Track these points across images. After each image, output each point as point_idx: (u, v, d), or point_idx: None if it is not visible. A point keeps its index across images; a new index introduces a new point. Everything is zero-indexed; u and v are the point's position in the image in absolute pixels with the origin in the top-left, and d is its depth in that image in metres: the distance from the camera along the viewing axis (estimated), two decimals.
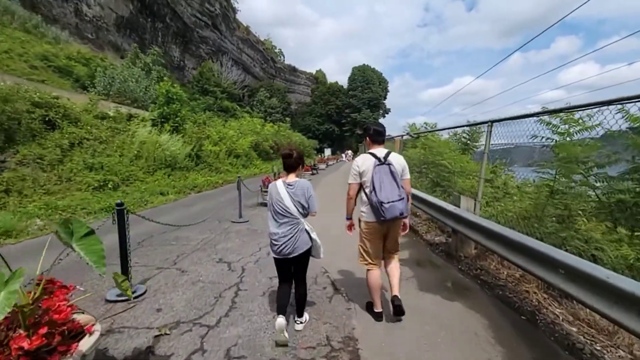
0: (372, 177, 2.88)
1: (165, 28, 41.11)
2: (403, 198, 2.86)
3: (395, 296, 3.07)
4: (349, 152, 50.64)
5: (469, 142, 10.34)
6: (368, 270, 3.18)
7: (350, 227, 3.35)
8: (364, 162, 3.00)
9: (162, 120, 15.90)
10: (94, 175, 9.49)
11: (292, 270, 2.95)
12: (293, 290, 3.02)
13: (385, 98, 57.56)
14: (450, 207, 4.97)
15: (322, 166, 26.12)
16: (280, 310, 2.81)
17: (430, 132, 6.62)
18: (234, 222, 7.26)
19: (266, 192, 9.63)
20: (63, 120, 11.18)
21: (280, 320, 2.69)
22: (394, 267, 3.21)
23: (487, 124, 4.85)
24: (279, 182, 2.84)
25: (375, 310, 3.15)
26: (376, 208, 2.84)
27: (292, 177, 2.87)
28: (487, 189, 7.50)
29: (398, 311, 3.01)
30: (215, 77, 36.70)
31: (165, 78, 17.01)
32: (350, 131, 55.84)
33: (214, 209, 8.65)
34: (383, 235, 3.12)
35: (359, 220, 3.19)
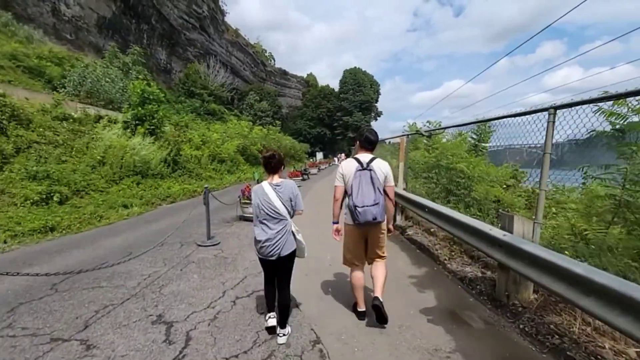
0: (352, 182, 2.87)
1: (150, 30, 39.27)
2: (378, 203, 2.80)
3: (376, 297, 2.94)
4: (342, 155, 49.14)
5: (478, 142, 8.86)
6: (351, 270, 3.21)
7: (337, 232, 3.13)
8: (347, 166, 2.99)
9: (137, 122, 14.16)
10: (36, 185, 7.70)
11: (276, 273, 2.85)
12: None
13: (377, 101, 56.23)
14: (496, 232, 3.38)
15: (314, 171, 24.53)
16: (271, 308, 2.92)
17: (451, 127, 5.08)
18: (200, 245, 5.59)
19: (246, 203, 7.97)
20: (10, 122, 9.40)
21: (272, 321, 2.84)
22: (380, 271, 3.06)
23: (547, 112, 3.29)
24: (265, 184, 2.76)
25: (359, 310, 3.18)
26: (352, 212, 2.84)
27: (277, 179, 2.80)
28: (518, 201, 5.99)
29: (379, 315, 2.91)
30: (202, 79, 34.87)
31: (139, 76, 15.21)
32: (342, 134, 54.37)
33: (182, 226, 6.95)
34: (364, 239, 3.07)
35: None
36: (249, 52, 54.43)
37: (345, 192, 3.01)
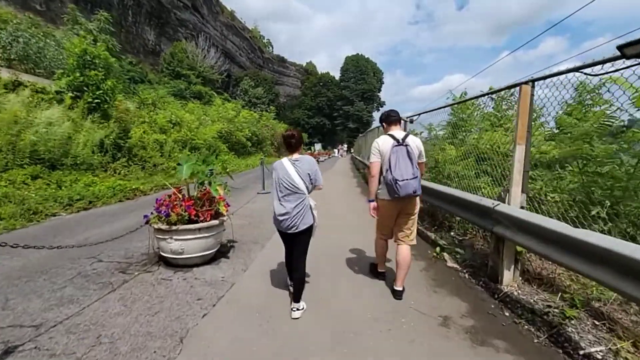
0: (390, 157, 2.78)
1: (136, 6, 34.49)
2: (417, 177, 2.73)
3: (396, 290, 2.90)
4: (344, 146, 44.87)
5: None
6: (377, 239, 3.25)
7: (374, 209, 3.02)
8: (384, 142, 2.89)
9: (76, 93, 9.99)
10: None
11: (292, 247, 2.76)
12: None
13: (379, 90, 51.60)
14: None
15: None
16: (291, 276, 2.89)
17: None
18: None
19: (162, 233, 3.85)
20: None
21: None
22: (404, 256, 2.88)
23: None
24: (285, 160, 2.69)
25: (378, 270, 3.34)
26: (391, 186, 2.73)
27: (296, 155, 2.72)
28: None
29: (397, 297, 2.90)
30: (190, 59, 30.34)
31: (84, 34, 10.97)
32: (343, 125, 50.02)
33: (39, 272, 2.87)
34: (396, 212, 2.95)
35: (376, 198, 3.01)
36: (245, 36, 49.64)
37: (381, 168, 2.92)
